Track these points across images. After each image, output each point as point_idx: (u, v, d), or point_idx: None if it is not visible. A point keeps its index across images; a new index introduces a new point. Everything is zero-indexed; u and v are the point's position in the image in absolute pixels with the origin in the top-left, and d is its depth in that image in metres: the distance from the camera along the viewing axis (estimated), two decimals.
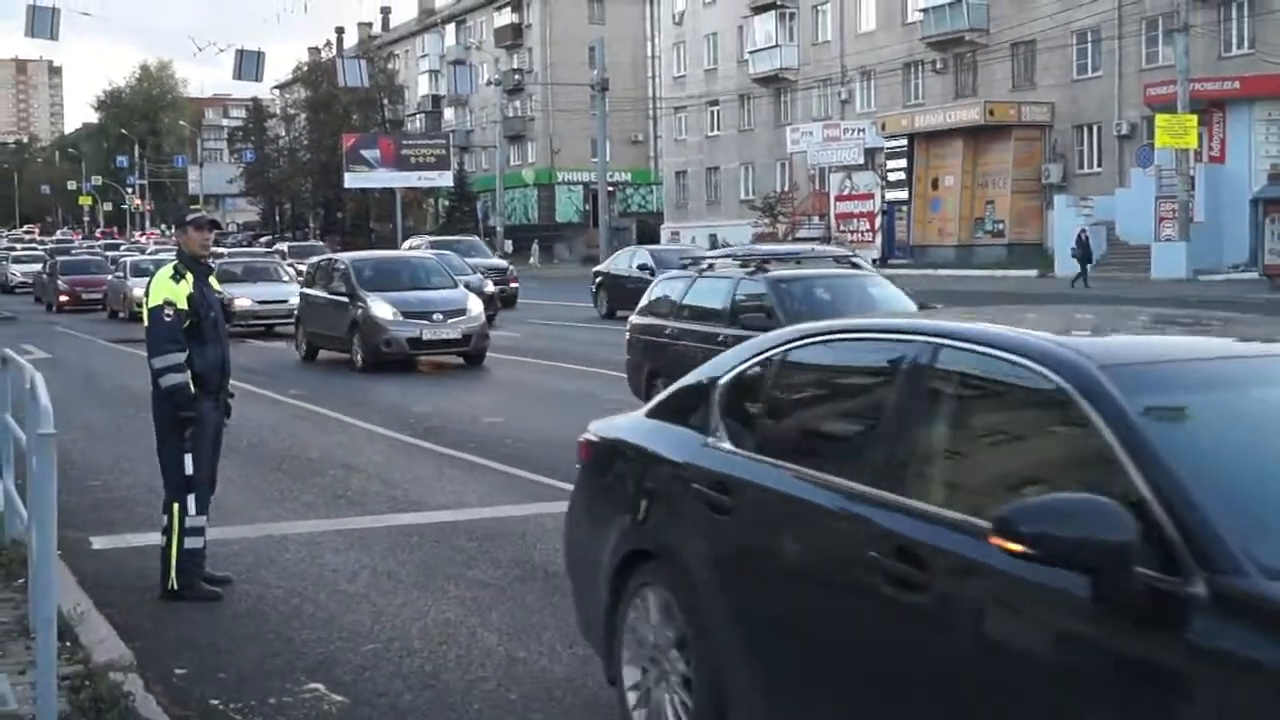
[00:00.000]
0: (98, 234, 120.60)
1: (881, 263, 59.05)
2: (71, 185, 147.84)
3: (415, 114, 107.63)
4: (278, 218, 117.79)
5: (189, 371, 8.26)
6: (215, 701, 6.42)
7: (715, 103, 76.20)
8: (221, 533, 9.52)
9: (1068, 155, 54.75)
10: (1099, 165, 53.68)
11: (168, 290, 8.29)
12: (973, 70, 58.93)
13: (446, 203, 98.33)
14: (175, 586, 8.22)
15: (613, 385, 17.45)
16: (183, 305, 8.28)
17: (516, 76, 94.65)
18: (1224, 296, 36.11)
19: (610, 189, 72.30)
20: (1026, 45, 55.90)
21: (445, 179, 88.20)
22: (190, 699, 6.46)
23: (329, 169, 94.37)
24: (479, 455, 13.51)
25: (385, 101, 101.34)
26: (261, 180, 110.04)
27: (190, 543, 8.26)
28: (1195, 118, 42.79)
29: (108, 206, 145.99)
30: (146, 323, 8.35)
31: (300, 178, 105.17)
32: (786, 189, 68.47)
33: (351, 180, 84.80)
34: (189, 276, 8.36)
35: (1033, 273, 50.31)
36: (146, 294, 8.39)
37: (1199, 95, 44.16)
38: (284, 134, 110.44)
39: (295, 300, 28.82)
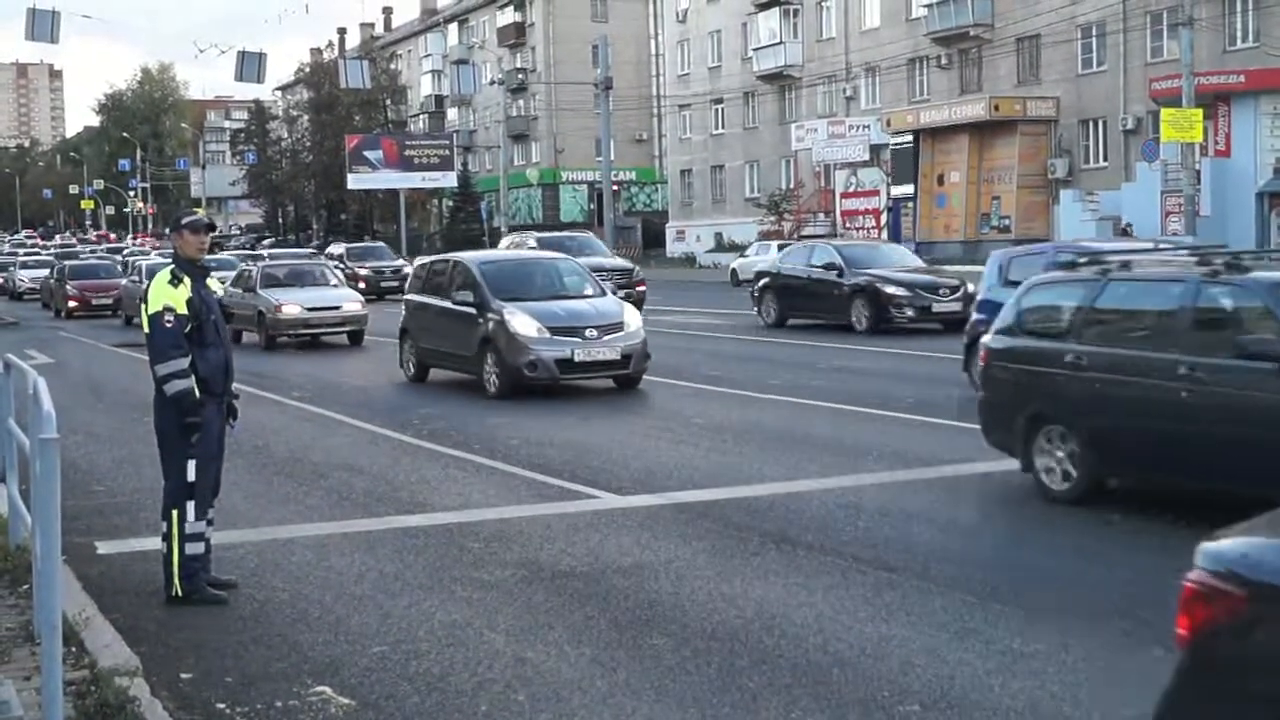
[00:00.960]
0: (93, 237, 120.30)
1: None
2: (73, 189, 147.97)
3: (418, 114, 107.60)
4: (280, 220, 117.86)
5: (193, 376, 8.23)
6: (222, 705, 6.42)
7: (719, 100, 76.13)
8: (227, 536, 9.52)
9: (1073, 150, 54.68)
10: (1105, 160, 53.61)
11: (167, 295, 8.22)
12: (978, 65, 58.86)
13: (450, 203, 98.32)
14: (179, 592, 8.21)
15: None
16: (182, 310, 8.20)
17: (519, 76, 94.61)
18: None
19: (615, 188, 72.20)
20: (1031, 40, 55.84)
21: (449, 179, 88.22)
22: (196, 703, 6.46)
23: (332, 170, 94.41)
24: (484, 456, 13.50)
25: (388, 102, 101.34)
26: (264, 182, 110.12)
27: (191, 548, 8.24)
28: (1200, 112, 42.69)
29: (110, 210, 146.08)
30: (146, 329, 8.28)
31: (303, 179, 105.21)
32: (792, 186, 68.42)
33: (355, 181, 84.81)
34: (186, 280, 8.28)
35: None
36: (144, 300, 8.32)
37: (1204, 89, 44.07)
38: (286, 135, 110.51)
39: (351, 306, 28.12)
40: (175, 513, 8.23)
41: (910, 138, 58.56)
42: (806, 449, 13.45)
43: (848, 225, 62.23)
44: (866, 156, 61.56)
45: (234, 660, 7.12)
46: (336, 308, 28.19)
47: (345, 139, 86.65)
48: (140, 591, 8.55)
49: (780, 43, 69.80)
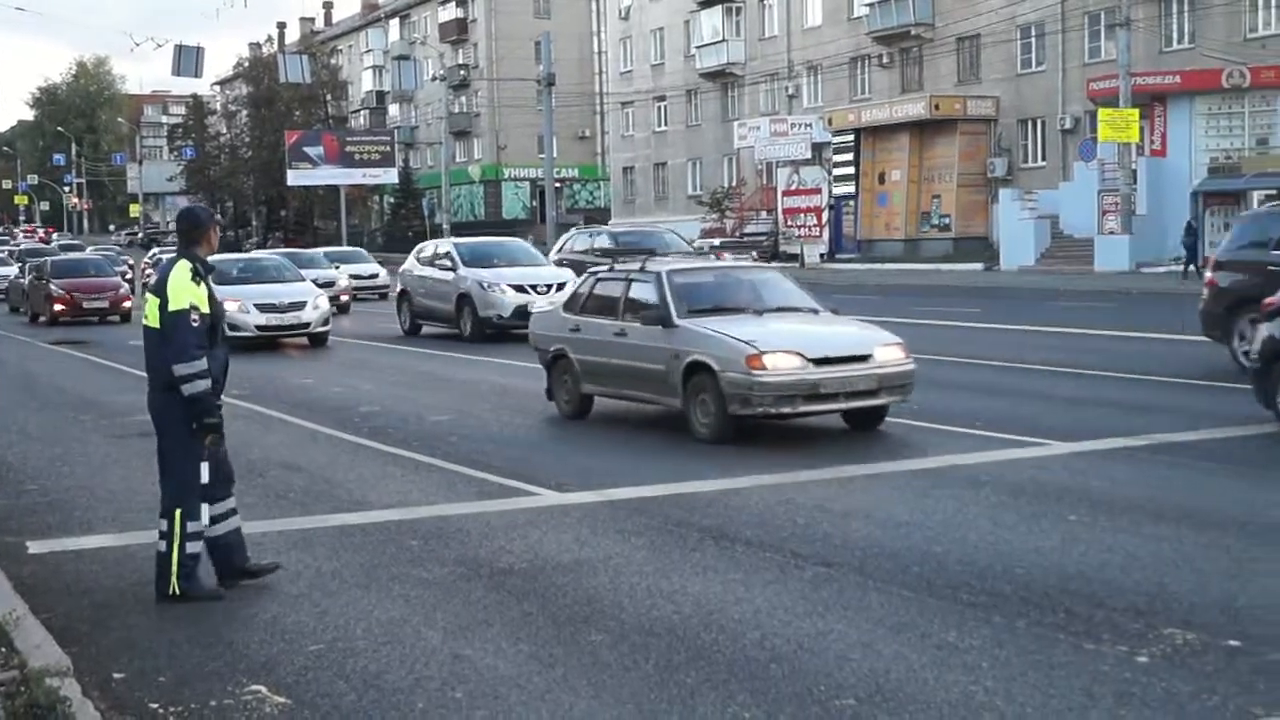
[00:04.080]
0: (21, 232, 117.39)
1: (829, 257, 59.38)
2: (6, 184, 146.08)
3: (359, 110, 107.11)
4: (219, 216, 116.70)
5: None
6: (154, 705, 6.36)
7: (662, 98, 76.26)
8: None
9: (1012, 149, 55.14)
10: (1043, 159, 54.11)
11: (192, 293, 8.09)
12: (919, 64, 59.26)
13: (392, 200, 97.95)
14: (176, 590, 8.16)
15: None
16: (205, 309, 8.13)
17: (462, 72, 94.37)
18: (1166, 289, 36.45)
19: (557, 185, 72.15)
20: (971, 40, 56.27)
21: (390, 176, 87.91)
22: (129, 703, 6.40)
23: (271, 166, 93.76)
24: (424, 454, 13.46)
25: (328, 97, 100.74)
26: (202, 178, 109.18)
27: (191, 547, 8.21)
28: (1137, 112, 43.21)
29: (45, 206, 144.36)
30: (166, 327, 8.10)
31: (242, 175, 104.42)
32: (734, 184, 68.64)
33: (295, 178, 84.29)
34: (203, 278, 8.23)
35: (978, 266, 50.63)
36: (162, 294, 8.12)
37: (1141, 90, 44.57)
38: (225, 131, 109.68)
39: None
40: (178, 512, 8.18)
41: (851, 136, 58.86)
42: (746, 446, 13.48)
43: (789, 223, 62.49)
44: (809, 155, 61.82)
45: (168, 660, 7.06)
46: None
47: (285, 135, 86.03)
48: (72, 591, 8.47)
49: (723, 40, 69.98)
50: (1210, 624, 7.14)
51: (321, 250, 49.81)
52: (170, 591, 8.17)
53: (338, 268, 40.89)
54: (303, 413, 17.04)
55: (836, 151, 60.05)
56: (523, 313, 23.32)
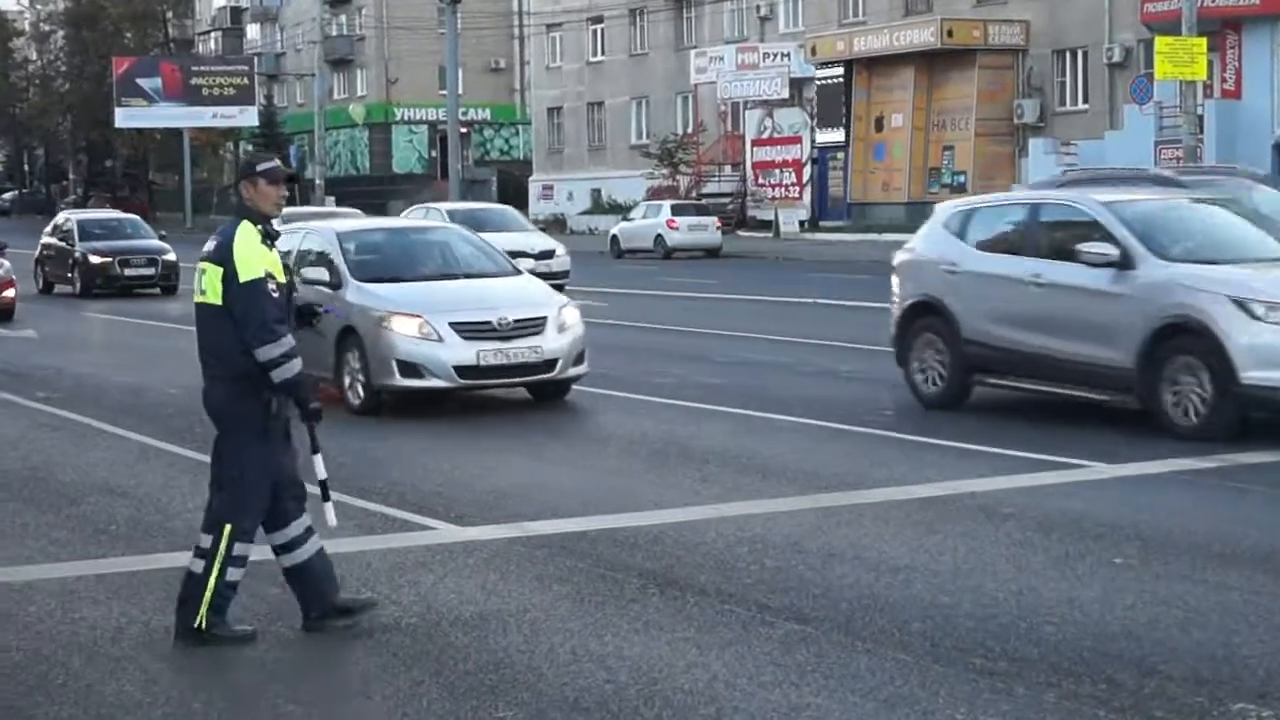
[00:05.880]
0: None
1: (812, 224, 59.56)
2: None
3: (209, 32, 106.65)
4: (27, 166, 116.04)
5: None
6: None
7: (599, 19, 76.28)
8: None
9: (1045, 88, 55.43)
10: (1085, 101, 54.42)
11: (264, 259, 8.31)
12: None
13: (250, 148, 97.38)
14: (203, 624, 8.32)
15: None
16: (282, 277, 8.43)
17: None
18: None
19: (463, 130, 72.03)
20: None
21: (248, 117, 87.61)
22: None
23: (94, 103, 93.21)
24: None
25: (169, 15, 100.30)
26: (5, 118, 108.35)
27: (233, 574, 8.41)
28: (1204, 41, 43.42)
29: None
30: (236, 302, 8.25)
31: (56, 114, 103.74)
32: (690, 131, 68.69)
33: (124, 118, 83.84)
34: (272, 241, 8.46)
35: None
36: (227, 262, 8.28)
37: (1209, 13, 44.83)
38: (35, 57, 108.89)
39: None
40: (228, 528, 8.36)
41: (840, 70, 59.01)
42: (700, 466, 13.48)
43: (760, 181, 62.61)
44: (785, 94, 61.97)
45: None
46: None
47: (113, 63, 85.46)
48: None
49: None
50: None
51: (472, 204, 46.00)
52: (197, 624, 8.33)
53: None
54: (129, 421, 16.94)
55: (821, 90, 60.22)
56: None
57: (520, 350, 16.89)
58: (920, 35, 56.16)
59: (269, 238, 8.41)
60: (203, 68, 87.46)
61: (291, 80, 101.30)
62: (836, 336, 23.79)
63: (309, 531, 8.65)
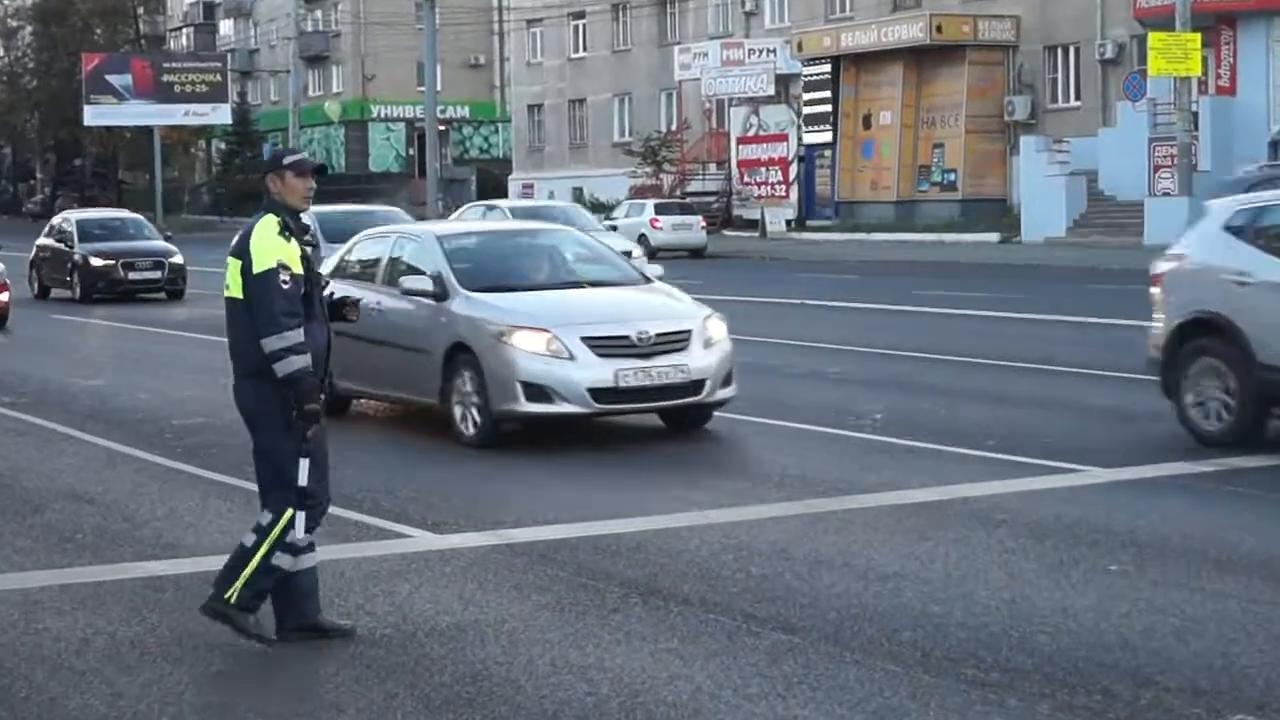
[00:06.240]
0: None
1: (799, 223, 59.60)
2: None
3: (180, 28, 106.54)
4: None
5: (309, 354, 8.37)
6: None
7: (581, 15, 76.30)
8: None
9: (1037, 84, 55.50)
10: (1077, 98, 54.50)
11: (280, 250, 8.36)
12: None
13: (223, 146, 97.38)
14: (234, 599, 8.38)
15: None
16: (298, 269, 8.40)
17: None
18: None
19: (442, 128, 71.99)
20: None
21: (221, 115, 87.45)
22: None
23: (63, 100, 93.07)
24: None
25: (140, 11, 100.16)
26: None
27: (280, 559, 8.43)
28: (1198, 37, 43.53)
29: None
30: (250, 291, 8.34)
31: (24, 112, 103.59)
32: (674, 128, 68.70)
33: (94, 116, 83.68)
34: (293, 234, 8.47)
35: (993, 237, 50.97)
36: (244, 255, 8.38)
37: (1203, 8, 44.92)
38: (2, 53, 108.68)
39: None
40: (289, 513, 8.42)
41: (828, 67, 59.06)
42: (685, 471, 13.44)
43: (746, 180, 62.66)
44: (771, 90, 61.99)
45: None
46: None
47: (82, 59, 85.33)
48: None
49: None
50: None
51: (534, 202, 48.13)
52: (227, 597, 8.39)
53: None
54: (96, 426, 16.88)
55: (808, 87, 60.26)
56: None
57: (664, 369, 14.69)
58: (909, 31, 56.24)
59: (289, 230, 8.44)
60: (174, 64, 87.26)
61: (266, 77, 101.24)
62: (824, 338, 23.77)
63: (311, 546, 8.64)
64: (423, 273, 15.82)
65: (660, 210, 53.84)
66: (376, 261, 16.93)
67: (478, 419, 14.81)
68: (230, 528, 11.65)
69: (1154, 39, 43.60)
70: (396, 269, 16.44)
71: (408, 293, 15.69)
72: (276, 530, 8.41)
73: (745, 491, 12.50)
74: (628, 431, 15.83)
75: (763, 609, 9.05)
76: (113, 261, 36.39)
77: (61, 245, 38.00)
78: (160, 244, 38.53)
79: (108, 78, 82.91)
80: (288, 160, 8.73)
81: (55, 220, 41.21)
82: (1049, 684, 7.56)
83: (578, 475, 13.61)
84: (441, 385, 15.12)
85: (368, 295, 14.90)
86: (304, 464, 8.48)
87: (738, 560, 10.26)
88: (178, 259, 36.96)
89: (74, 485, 13.54)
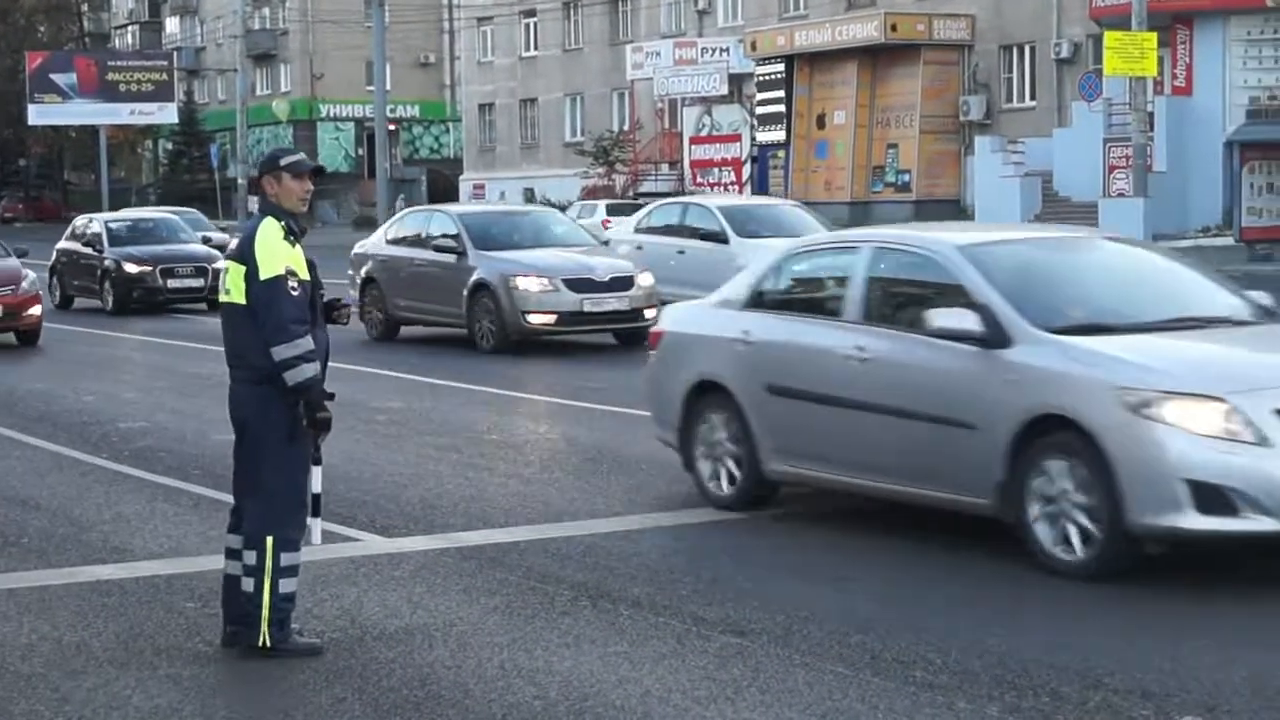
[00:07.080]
0: None
1: None
2: None
3: (126, 25, 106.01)
4: None
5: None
6: None
7: (532, 13, 76.20)
8: None
9: (992, 84, 55.65)
10: (1032, 98, 54.64)
11: (287, 256, 8.30)
12: None
13: (170, 146, 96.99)
14: (267, 642, 8.28)
15: None
16: (305, 275, 8.36)
17: None
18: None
19: (392, 128, 71.84)
20: None
21: (167, 114, 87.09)
22: None
23: (6, 99, 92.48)
24: (207, 485, 13.32)
25: (84, 7, 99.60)
26: None
27: (285, 585, 8.36)
28: (1154, 36, 43.68)
29: None
30: (258, 300, 8.24)
31: None
32: (626, 128, 68.69)
33: (38, 115, 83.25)
34: (297, 238, 8.43)
35: None
36: (249, 260, 8.29)
37: (1159, 8, 45.10)
38: None
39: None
40: (270, 540, 8.28)
41: (781, 66, 59.14)
42: (634, 473, 13.51)
43: (699, 180, 62.63)
44: (724, 90, 62.01)
45: None
46: None
47: (25, 57, 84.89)
48: None
49: None
50: (1241, 709, 7.26)
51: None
52: (260, 643, 8.29)
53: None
54: (41, 429, 16.83)
55: (761, 86, 60.29)
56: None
57: None
58: (863, 30, 56.26)
59: (293, 233, 8.39)
60: (120, 63, 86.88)
61: (213, 76, 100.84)
62: None
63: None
64: (954, 303, 10.52)
65: (613, 211, 53.74)
66: (843, 281, 11.62)
67: (1091, 533, 9.55)
68: (176, 532, 11.72)
69: (1110, 38, 43.71)
70: (894, 299, 11.62)
71: (940, 334, 10.46)
72: (268, 564, 8.31)
73: (693, 493, 12.51)
74: (576, 436, 15.89)
75: (712, 612, 9.10)
76: (150, 268, 32.95)
77: (88, 249, 34.34)
78: (200, 248, 34.97)
79: (52, 76, 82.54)
80: (284, 161, 8.61)
81: (78, 221, 37.41)
82: (998, 686, 7.63)
83: (526, 479, 13.62)
84: (1005, 479, 9.91)
85: (837, 338, 11.16)
86: (317, 471, 8.48)
87: (688, 563, 10.31)
88: (220, 264, 34.30)
89: (19, 489, 13.51)
